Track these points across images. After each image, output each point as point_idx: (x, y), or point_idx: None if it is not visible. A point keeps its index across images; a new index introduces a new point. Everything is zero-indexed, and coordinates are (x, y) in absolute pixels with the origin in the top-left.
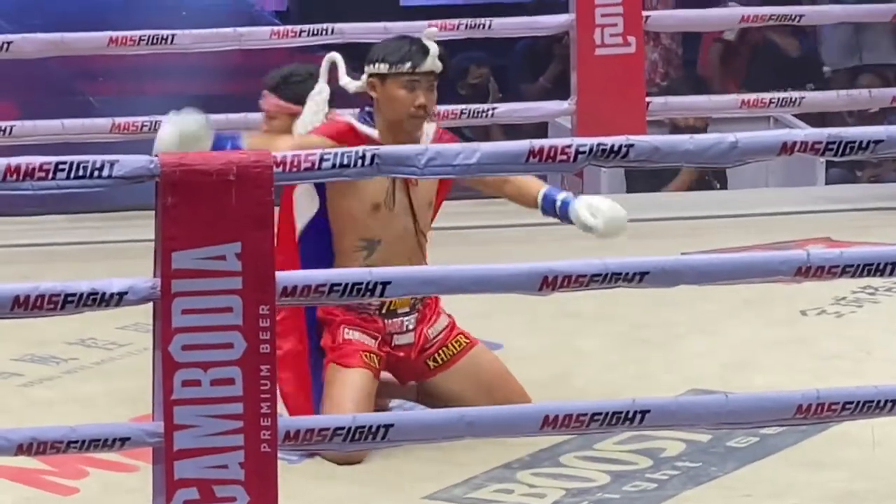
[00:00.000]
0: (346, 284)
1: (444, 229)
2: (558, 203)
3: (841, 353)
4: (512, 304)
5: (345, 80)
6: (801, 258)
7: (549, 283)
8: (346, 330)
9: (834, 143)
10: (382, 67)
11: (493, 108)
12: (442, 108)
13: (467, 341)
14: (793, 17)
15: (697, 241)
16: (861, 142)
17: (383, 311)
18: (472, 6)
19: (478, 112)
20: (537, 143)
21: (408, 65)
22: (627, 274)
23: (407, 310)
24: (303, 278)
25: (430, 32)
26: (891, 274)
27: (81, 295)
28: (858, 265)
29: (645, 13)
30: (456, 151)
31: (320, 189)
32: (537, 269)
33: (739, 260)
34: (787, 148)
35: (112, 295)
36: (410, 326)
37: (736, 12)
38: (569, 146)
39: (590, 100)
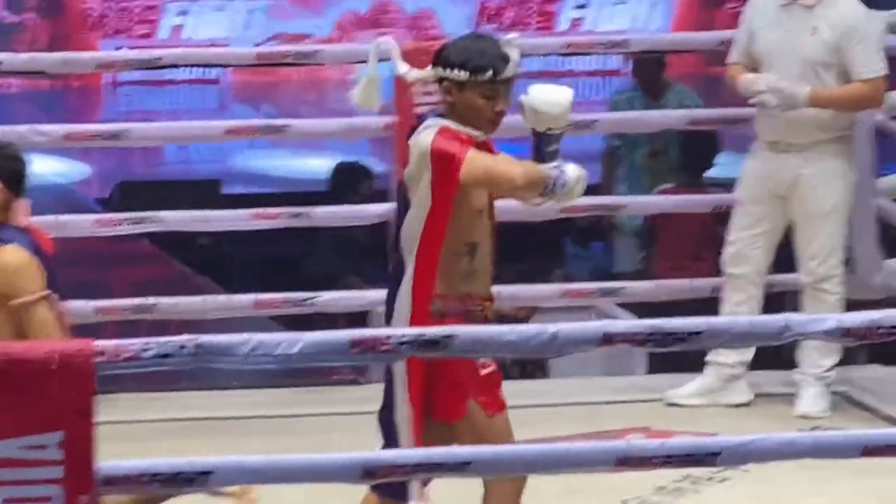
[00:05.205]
0: (168, 474)
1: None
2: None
3: None
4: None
5: (404, 69)
6: (621, 448)
7: (371, 473)
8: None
9: (655, 334)
10: (462, 75)
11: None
12: None
13: None
14: None
15: (520, 431)
16: (682, 333)
17: (487, 314)
18: (292, 194)
19: (298, 301)
20: (358, 332)
21: (489, 74)
22: (448, 464)
23: None
24: (125, 468)
25: (513, 38)
26: (711, 464)
27: None
28: (678, 455)
29: None
30: (277, 342)
31: (435, 192)
32: (356, 459)
33: (561, 450)
34: (608, 339)
35: None
36: None
37: None
38: (389, 337)
39: None
